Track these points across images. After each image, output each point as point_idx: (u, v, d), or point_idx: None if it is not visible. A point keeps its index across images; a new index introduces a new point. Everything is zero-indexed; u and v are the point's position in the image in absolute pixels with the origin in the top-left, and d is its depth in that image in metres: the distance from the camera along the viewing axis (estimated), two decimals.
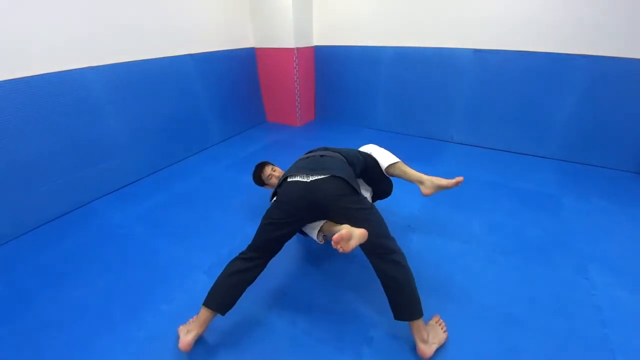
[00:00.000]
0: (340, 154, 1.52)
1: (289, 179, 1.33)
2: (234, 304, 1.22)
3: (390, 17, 3.20)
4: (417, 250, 1.73)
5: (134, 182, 2.53)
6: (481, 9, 2.76)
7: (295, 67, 3.54)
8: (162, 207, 2.20)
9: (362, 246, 1.18)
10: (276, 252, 1.31)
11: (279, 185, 1.36)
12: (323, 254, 1.73)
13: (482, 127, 3.13)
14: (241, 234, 1.90)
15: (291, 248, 1.78)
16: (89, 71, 2.12)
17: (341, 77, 3.76)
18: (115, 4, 2.19)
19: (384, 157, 1.59)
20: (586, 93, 2.62)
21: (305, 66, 3.71)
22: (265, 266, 1.29)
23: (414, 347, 1.21)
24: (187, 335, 1.17)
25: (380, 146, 1.70)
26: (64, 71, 1.99)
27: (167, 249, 1.79)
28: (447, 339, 1.23)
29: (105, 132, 2.29)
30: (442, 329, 1.25)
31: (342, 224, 1.20)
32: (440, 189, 1.46)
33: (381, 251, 1.18)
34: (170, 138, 2.83)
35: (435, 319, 1.29)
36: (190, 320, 1.25)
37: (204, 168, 2.80)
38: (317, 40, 3.75)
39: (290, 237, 1.32)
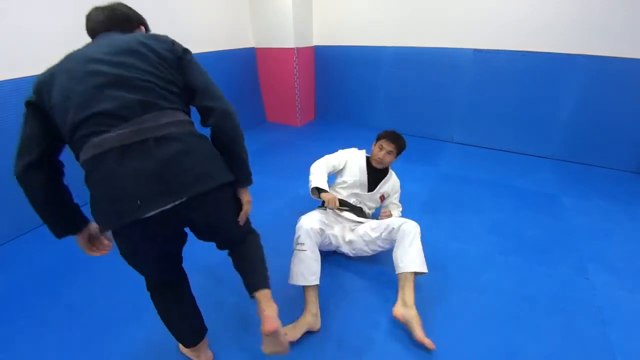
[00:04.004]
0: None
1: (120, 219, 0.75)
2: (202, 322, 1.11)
3: (390, 17, 3.20)
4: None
5: None
6: (481, 9, 2.76)
7: (295, 67, 3.53)
8: None
9: (218, 244, 1.05)
10: (180, 266, 1.06)
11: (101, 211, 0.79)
12: (323, 254, 1.72)
13: (482, 127, 3.13)
14: None
15: (290, 248, 1.77)
16: None
17: (341, 77, 3.76)
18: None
19: None
20: (586, 93, 2.62)
21: (305, 66, 3.71)
22: (186, 280, 1.08)
23: (414, 347, 1.21)
24: None
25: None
26: None
27: None
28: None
29: None
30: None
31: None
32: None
33: (234, 244, 1.06)
34: None
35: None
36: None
37: None
38: (317, 40, 3.75)
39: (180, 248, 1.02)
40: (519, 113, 2.91)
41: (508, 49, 2.77)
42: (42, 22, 1.86)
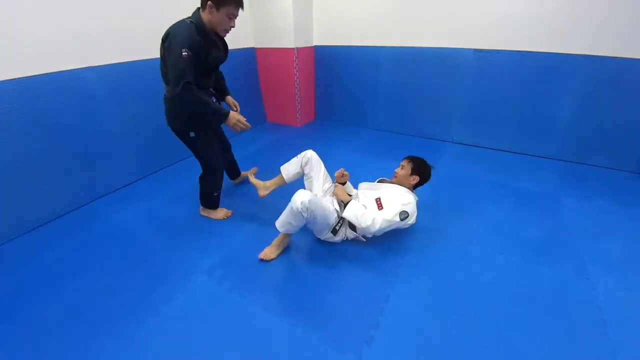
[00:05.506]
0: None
1: None
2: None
3: (390, 17, 3.20)
4: (417, 250, 1.72)
5: (134, 182, 2.53)
6: (481, 9, 2.76)
7: (295, 67, 3.54)
8: (162, 207, 2.20)
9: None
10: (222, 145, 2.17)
11: None
12: (323, 253, 1.73)
13: (482, 127, 3.13)
14: (241, 234, 1.90)
15: (291, 248, 1.78)
16: (88, 71, 2.12)
17: (341, 77, 3.76)
18: (115, 4, 2.19)
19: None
20: (586, 93, 2.62)
21: (305, 66, 3.71)
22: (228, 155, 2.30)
23: (414, 347, 1.21)
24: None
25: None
26: (64, 71, 1.99)
27: (167, 249, 1.79)
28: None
29: (105, 132, 2.29)
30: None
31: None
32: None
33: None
34: (169, 138, 2.81)
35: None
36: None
37: None
38: (317, 40, 3.75)
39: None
40: (519, 113, 2.91)
41: (508, 49, 2.77)
42: (43, 23, 1.86)
